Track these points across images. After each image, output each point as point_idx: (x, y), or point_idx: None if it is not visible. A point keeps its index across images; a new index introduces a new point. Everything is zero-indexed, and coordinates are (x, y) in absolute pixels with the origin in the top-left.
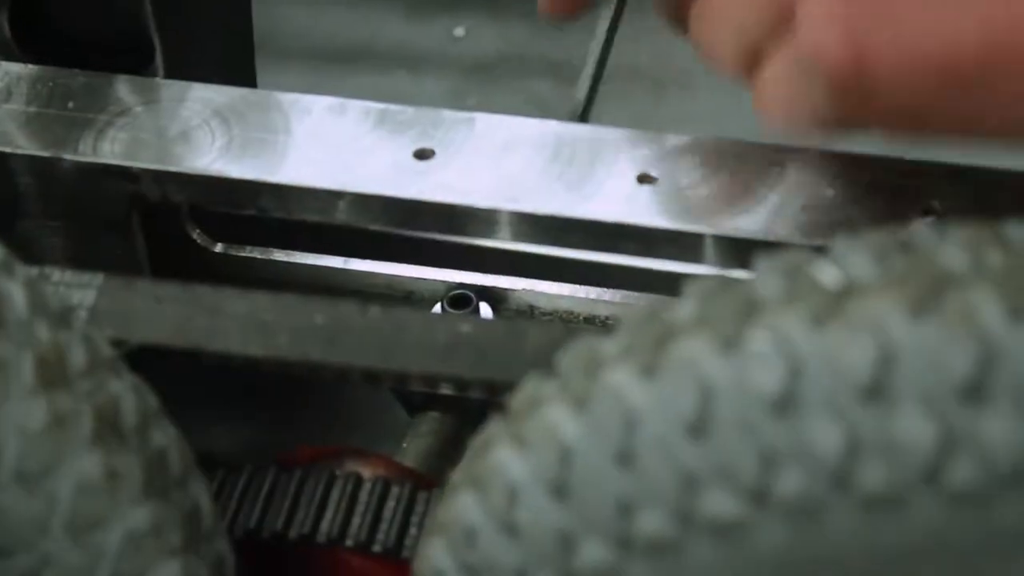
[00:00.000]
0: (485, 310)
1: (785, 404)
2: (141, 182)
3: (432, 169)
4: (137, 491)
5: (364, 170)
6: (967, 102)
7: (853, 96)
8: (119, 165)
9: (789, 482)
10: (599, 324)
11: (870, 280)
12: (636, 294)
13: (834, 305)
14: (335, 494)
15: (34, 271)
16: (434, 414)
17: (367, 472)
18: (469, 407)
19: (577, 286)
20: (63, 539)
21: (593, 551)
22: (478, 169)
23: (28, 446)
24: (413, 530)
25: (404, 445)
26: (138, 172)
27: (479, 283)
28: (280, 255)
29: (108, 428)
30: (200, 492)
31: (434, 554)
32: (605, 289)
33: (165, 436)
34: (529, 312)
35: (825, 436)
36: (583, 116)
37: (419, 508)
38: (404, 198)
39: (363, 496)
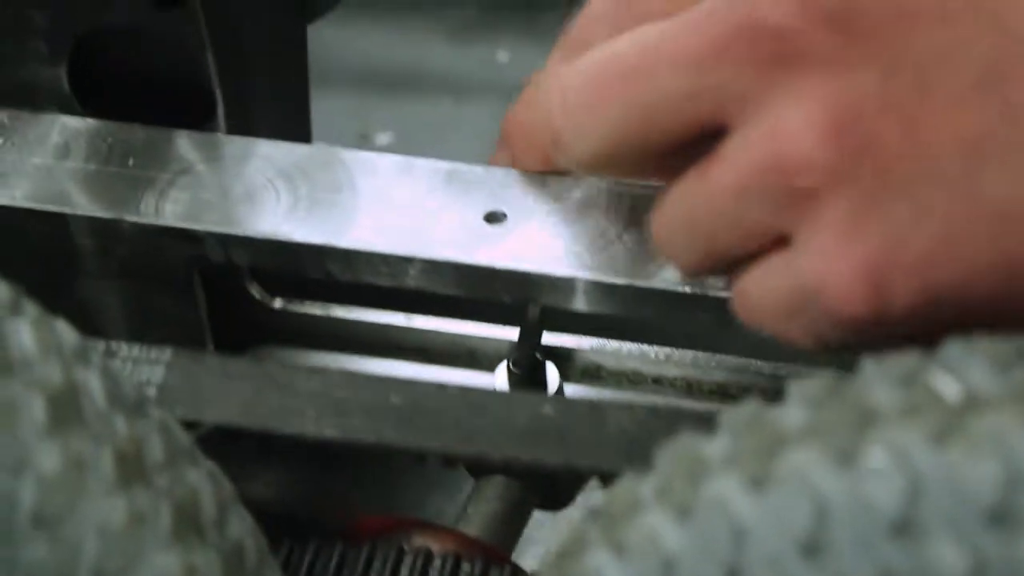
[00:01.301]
0: (551, 370)
1: (906, 525)
2: (205, 245)
3: (503, 233)
4: None
5: (434, 234)
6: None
7: (863, 333)
8: (182, 228)
9: None
10: (667, 385)
11: (992, 393)
12: (706, 355)
13: (956, 420)
14: (404, 572)
15: (101, 346)
16: (499, 477)
17: (436, 547)
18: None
19: (645, 346)
20: None
21: None
22: (552, 233)
23: (107, 546)
24: None
25: (468, 511)
26: (202, 235)
27: (545, 342)
28: (340, 311)
29: (187, 523)
30: None
31: None
32: (673, 349)
33: (242, 526)
34: (595, 372)
35: (949, 561)
36: None
37: None
38: (476, 264)
39: (433, 574)
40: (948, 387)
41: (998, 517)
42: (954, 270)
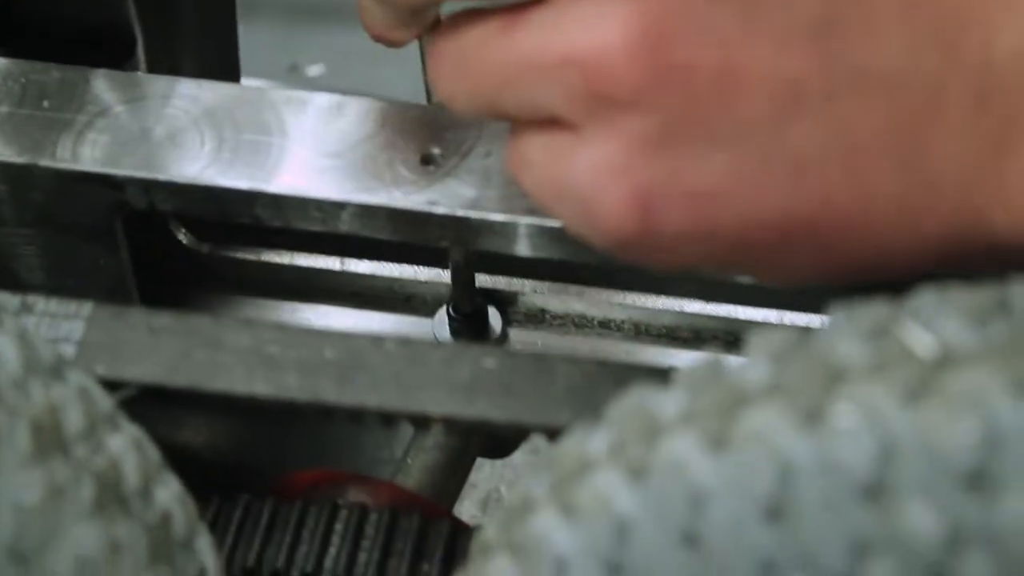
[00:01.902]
0: (494, 315)
1: (877, 488)
2: (126, 191)
3: (440, 176)
4: (142, 562)
5: (368, 177)
6: (754, 266)
7: (627, 250)
8: (102, 173)
9: (880, 573)
10: (615, 328)
11: (968, 348)
12: (652, 297)
13: (930, 377)
14: (339, 527)
15: (16, 301)
16: (439, 426)
17: (372, 501)
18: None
19: (590, 288)
20: None
21: None
22: (491, 175)
23: (23, 522)
24: (426, 566)
25: (408, 461)
26: (123, 181)
27: (487, 286)
28: (272, 256)
29: (109, 495)
30: (206, 552)
31: None
32: (618, 291)
33: (168, 495)
34: (540, 316)
35: (923, 525)
36: None
37: (432, 541)
38: (411, 209)
39: (369, 530)
40: (921, 341)
41: (976, 480)
42: (735, 211)
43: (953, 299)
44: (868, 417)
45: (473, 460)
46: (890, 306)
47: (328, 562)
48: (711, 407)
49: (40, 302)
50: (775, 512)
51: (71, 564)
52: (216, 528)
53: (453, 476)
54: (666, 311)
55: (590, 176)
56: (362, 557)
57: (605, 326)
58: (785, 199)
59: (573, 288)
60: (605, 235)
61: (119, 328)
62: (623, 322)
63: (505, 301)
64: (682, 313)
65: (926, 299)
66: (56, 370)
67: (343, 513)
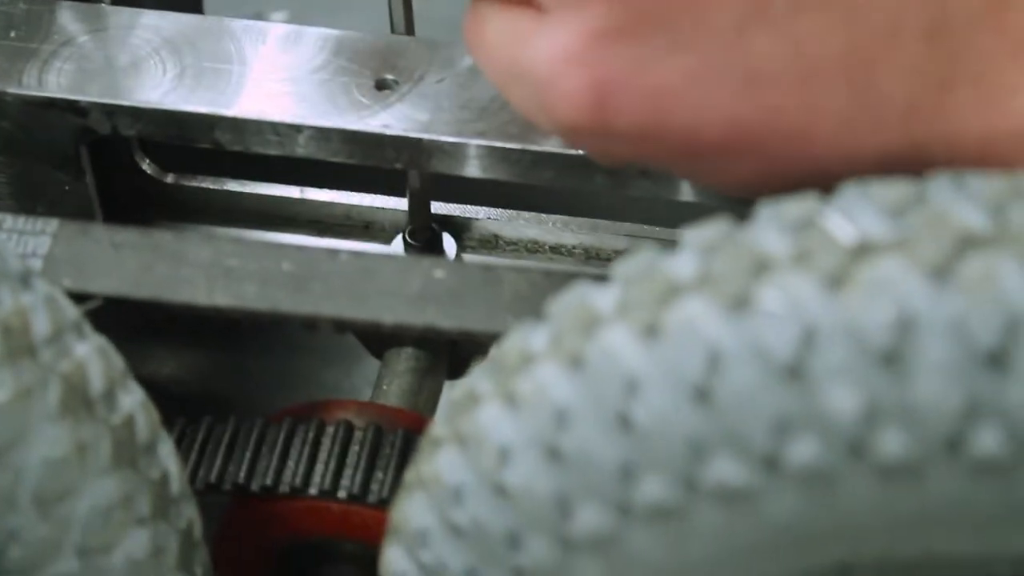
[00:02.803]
0: (448, 241)
1: (798, 369)
2: (90, 116)
3: (394, 100)
4: (106, 462)
5: (323, 101)
6: (698, 169)
7: (577, 139)
8: (66, 99)
9: (802, 450)
10: (566, 253)
11: (886, 238)
12: (605, 222)
13: (849, 265)
14: (325, 443)
15: None
16: (408, 350)
17: (357, 420)
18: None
19: (543, 214)
20: (30, 513)
21: (590, 516)
22: (443, 99)
23: None
24: (380, 474)
25: (382, 387)
26: (87, 106)
27: (441, 212)
28: (234, 185)
29: (76, 397)
30: (168, 457)
31: (415, 511)
32: (571, 217)
33: (132, 400)
34: (494, 242)
35: (841, 403)
36: None
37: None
38: (365, 131)
39: (355, 446)
40: (842, 231)
41: (891, 360)
42: (688, 109)
43: (874, 193)
44: (791, 303)
45: (443, 380)
46: (815, 200)
47: (286, 475)
48: (644, 298)
49: (8, 219)
50: (703, 395)
51: (40, 461)
52: (180, 447)
53: (426, 395)
54: (616, 236)
55: (548, 61)
56: (319, 468)
57: (556, 251)
58: (736, 106)
59: (526, 215)
60: (557, 121)
61: (84, 243)
62: (574, 247)
63: (460, 228)
64: (632, 238)
65: (849, 193)
66: (24, 279)
67: (329, 430)
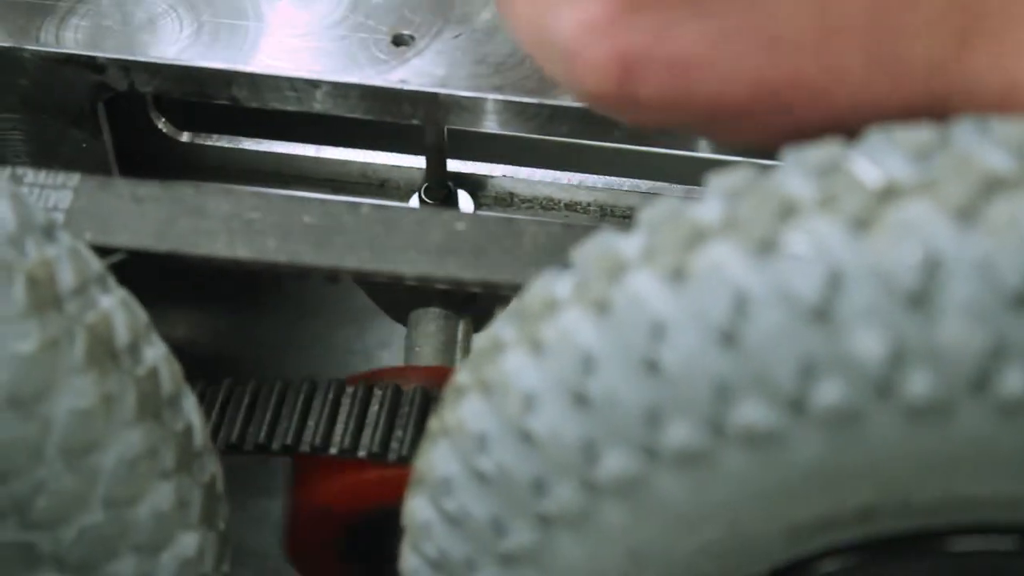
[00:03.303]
0: (464, 198)
1: (825, 311)
2: (107, 72)
3: (411, 55)
4: (131, 413)
5: (341, 57)
6: (722, 130)
7: (602, 107)
8: (84, 55)
9: (829, 391)
10: (581, 211)
11: (911, 181)
12: (619, 179)
13: (875, 208)
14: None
15: (6, 173)
16: (434, 309)
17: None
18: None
19: (558, 172)
20: (57, 464)
21: (617, 461)
22: (460, 54)
23: (21, 371)
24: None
25: (417, 349)
26: (105, 63)
27: (457, 170)
28: (249, 144)
29: (101, 349)
30: (191, 410)
31: (439, 459)
32: (586, 174)
33: (156, 353)
34: (509, 199)
35: (868, 344)
36: None
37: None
38: (383, 86)
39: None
40: (869, 175)
41: (917, 301)
42: (713, 76)
43: (898, 137)
44: (817, 246)
45: (471, 333)
46: (839, 145)
47: (307, 435)
48: (670, 244)
49: (29, 174)
50: (730, 338)
51: (67, 412)
52: (256, 406)
53: (458, 352)
54: (631, 192)
55: (573, 32)
56: (339, 428)
57: (571, 208)
58: (760, 70)
59: (541, 172)
60: (583, 90)
61: (105, 197)
62: (589, 204)
63: (475, 185)
64: (647, 195)
65: (873, 138)
66: (48, 231)
67: (320, 389)
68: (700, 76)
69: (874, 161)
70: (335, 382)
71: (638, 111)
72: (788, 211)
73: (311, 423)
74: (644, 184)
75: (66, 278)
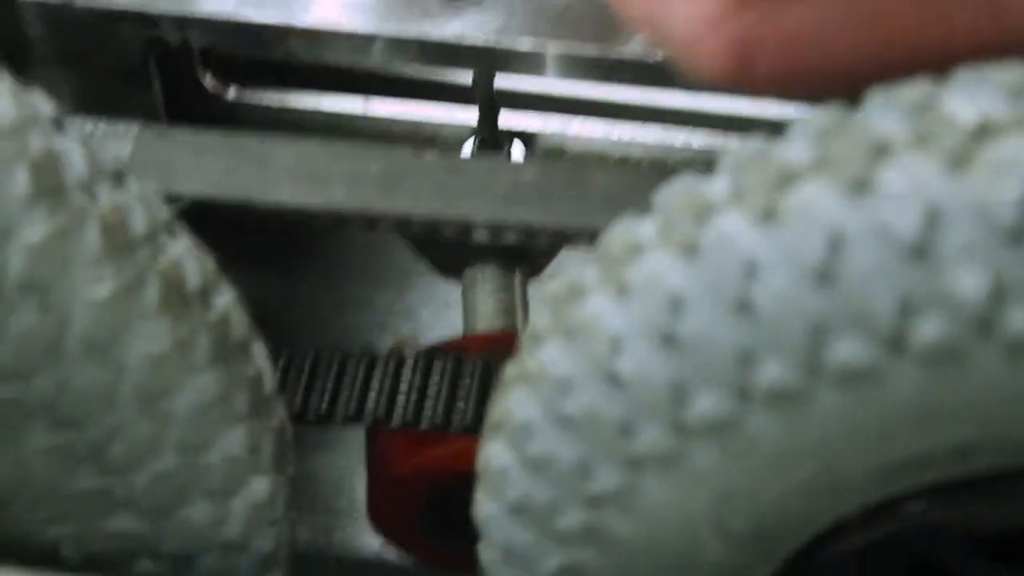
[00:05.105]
0: (517, 151)
1: (923, 249)
2: (161, 27)
3: (468, 8)
4: (204, 358)
5: (396, 10)
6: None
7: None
8: (138, 11)
9: (928, 329)
10: (634, 165)
11: (1006, 118)
12: (670, 132)
13: (971, 145)
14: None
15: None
16: (491, 268)
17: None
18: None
19: (610, 125)
20: (131, 409)
21: (708, 402)
22: (517, 5)
23: (96, 316)
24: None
25: (475, 311)
26: (158, 17)
27: (508, 126)
28: (296, 99)
29: (174, 294)
30: (261, 357)
31: (518, 405)
32: (638, 127)
33: (226, 299)
34: (559, 153)
35: (968, 281)
36: None
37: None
38: (440, 40)
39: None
40: (963, 112)
41: (1018, 237)
42: (818, 53)
43: (990, 76)
44: (914, 184)
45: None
46: (930, 84)
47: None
48: (758, 184)
49: (88, 124)
50: (825, 277)
51: (141, 357)
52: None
53: (517, 309)
54: (683, 147)
55: (687, 25)
56: (400, 400)
57: (623, 163)
58: (861, 41)
59: (594, 125)
60: (701, 75)
61: (166, 147)
62: (641, 160)
63: (526, 140)
64: (699, 149)
65: (964, 77)
66: (119, 177)
67: (380, 360)
68: (810, 53)
69: (967, 99)
70: (454, 356)
71: (753, 89)
72: (881, 150)
73: (375, 393)
74: (701, 137)
75: (137, 224)
